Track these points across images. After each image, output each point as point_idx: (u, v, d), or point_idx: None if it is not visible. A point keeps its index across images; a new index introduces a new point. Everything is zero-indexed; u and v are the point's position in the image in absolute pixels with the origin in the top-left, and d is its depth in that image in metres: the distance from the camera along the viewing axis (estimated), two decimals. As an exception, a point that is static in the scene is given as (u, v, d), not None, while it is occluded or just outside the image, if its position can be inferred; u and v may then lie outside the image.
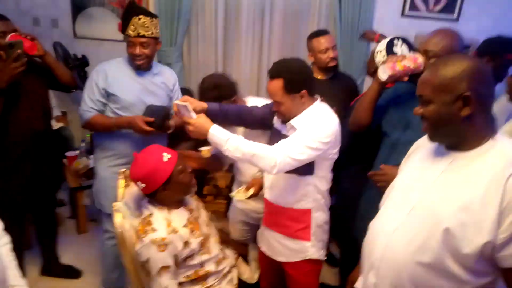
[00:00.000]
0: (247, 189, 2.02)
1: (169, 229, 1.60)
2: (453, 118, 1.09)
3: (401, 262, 1.14)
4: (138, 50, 2.09)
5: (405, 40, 2.07)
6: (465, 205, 1.04)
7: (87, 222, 3.20)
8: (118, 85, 2.14)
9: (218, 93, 1.97)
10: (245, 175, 2.15)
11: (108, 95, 2.15)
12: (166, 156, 1.63)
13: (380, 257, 1.20)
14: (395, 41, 2.07)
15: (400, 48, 2.04)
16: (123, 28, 2.10)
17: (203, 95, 1.98)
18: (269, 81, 1.66)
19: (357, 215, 2.00)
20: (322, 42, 2.46)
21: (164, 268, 1.57)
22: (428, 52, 1.65)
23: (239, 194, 2.02)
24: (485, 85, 1.09)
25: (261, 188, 2.00)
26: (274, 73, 1.64)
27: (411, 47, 2.04)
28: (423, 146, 1.29)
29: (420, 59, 1.65)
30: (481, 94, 1.08)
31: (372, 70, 2.20)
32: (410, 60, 1.65)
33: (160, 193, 1.64)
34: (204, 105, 1.75)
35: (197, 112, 1.69)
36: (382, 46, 2.08)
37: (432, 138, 1.19)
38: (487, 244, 1.02)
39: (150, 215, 1.64)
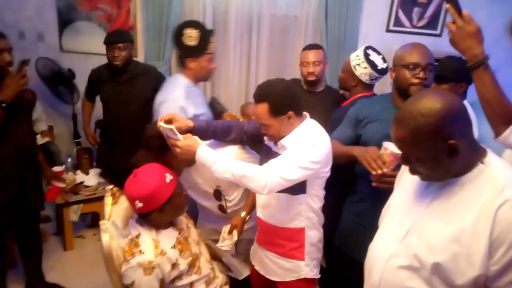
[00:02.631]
0: (230, 232, 1.99)
1: (156, 251, 1.57)
2: (443, 163, 1.04)
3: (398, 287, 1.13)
4: (214, 65, 2.36)
5: (374, 49, 2.27)
6: (457, 235, 1.01)
7: (73, 239, 3.15)
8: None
9: (161, 142, 1.74)
10: (214, 212, 2.12)
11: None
12: (168, 177, 1.60)
13: (377, 283, 1.18)
14: (369, 51, 2.24)
15: (374, 57, 2.23)
16: (202, 48, 2.24)
17: (147, 144, 1.80)
18: (254, 105, 1.65)
19: (339, 224, 2.03)
20: (306, 56, 2.51)
21: None
22: (418, 65, 1.66)
23: (225, 243, 1.98)
24: (463, 121, 1.02)
25: (243, 226, 2.00)
26: (258, 97, 1.62)
27: (378, 54, 2.26)
28: None
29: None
30: (463, 133, 1.02)
31: (351, 84, 2.30)
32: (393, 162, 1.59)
33: (155, 214, 1.60)
34: (189, 123, 1.73)
35: (184, 131, 1.68)
36: (359, 58, 2.24)
37: (426, 180, 1.14)
38: (480, 276, 0.99)
39: (138, 236, 1.61)
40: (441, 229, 1.05)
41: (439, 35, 3.53)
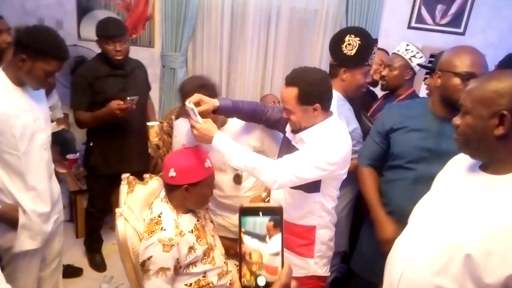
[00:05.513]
0: None
1: (177, 230, 1.59)
2: (485, 135, 1.03)
3: (420, 283, 1.10)
4: (369, 78, 2.11)
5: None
6: (492, 232, 0.98)
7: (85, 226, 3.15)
8: None
9: (204, 94, 1.80)
10: (224, 190, 2.08)
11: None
12: (208, 163, 1.66)
13: (399, 276, 1.16)
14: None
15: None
16: (362, 59, 1.95)
17: (187, 98, 1.81)
18: (284, 87, 1.61)
19: (356, 248, 2.00)
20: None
21: (163, 269, 1.54)
22: (473, 75, 1.48)
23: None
24: None
25: None
26: (290, 80, 1.59)
27: None
28: (460, 162, 1.23)
29: None
30: None
31: (406, 78, 2.31)
32: None
33: (180, 192, 1.63)
34: (216, 103, 1.71)
35: (210, 111, 1.68)
36: (412, 50, 2.30)
37: (462, 150, 1.14)
38: (511, 277, 0.96)
39: (160, 215, 1.63)
40: (476, 224, 1.02)
41: (462, 34, 3.43)
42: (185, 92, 1.84)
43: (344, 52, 1.92)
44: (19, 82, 1.72)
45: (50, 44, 1.66)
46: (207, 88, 1.86)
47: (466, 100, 1.08)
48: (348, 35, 1.92)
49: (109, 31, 2.39)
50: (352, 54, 1.91)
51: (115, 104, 2.28)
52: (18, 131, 1.68)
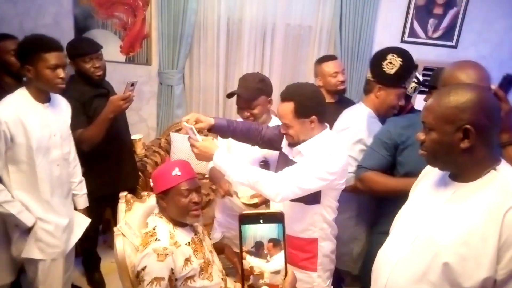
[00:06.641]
0: (252, 197, 1.96)
1: (171, 241, 1.61)
2: (452, 149, 1.08)
3: None
4: (402, 102, 2.01)
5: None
6: (465, 238, 1.03)
7: (84, 245, 3.13)
8: None
9: (262, 86, 1.95)
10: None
11: None
12: (176, 171, 1.66)
13: (383, 286, 1.20)
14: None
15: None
16: (399, 80, 1.93)
17: (247, 86, 1.95)
18: (280, 103, 1.66)
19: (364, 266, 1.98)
20: (332, 67, 2.51)
21: (158, 279, 1.53)
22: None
23: (244, 197, 1.94)
24: (489, 118, 1.05)
25: (264, 201, 1.92)
26: (285, 95, 1.64)
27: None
28: (431, 171, 1.27)
29: None
30: (484, 127, 1.05)
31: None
32: None
33: (160, 202, 1.70)
34: (211, 121, 1.75)
35: (206, 129, 1.73)
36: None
37: (431, 164, 1.20)
38: (488, 279, 1.00)
39: (155, 228, 1.65)
40: (450, 232, 1.07)
41: (454, 47, 3.49)
42: (247, 81, 1.96)
43: (384, 69, 1.92)
44: (40, 98, 1.85)
45: (35, 42, 1.80)
46: (267, 83, 1.99)
47: (429, 117, 1.12)
48: (391, 54, 1.92)
49: (84, 49, 2.35)
50: (391, 73, 1.91)
51: (116, 97, 2.18)
52: (34, 143, 1.79)
